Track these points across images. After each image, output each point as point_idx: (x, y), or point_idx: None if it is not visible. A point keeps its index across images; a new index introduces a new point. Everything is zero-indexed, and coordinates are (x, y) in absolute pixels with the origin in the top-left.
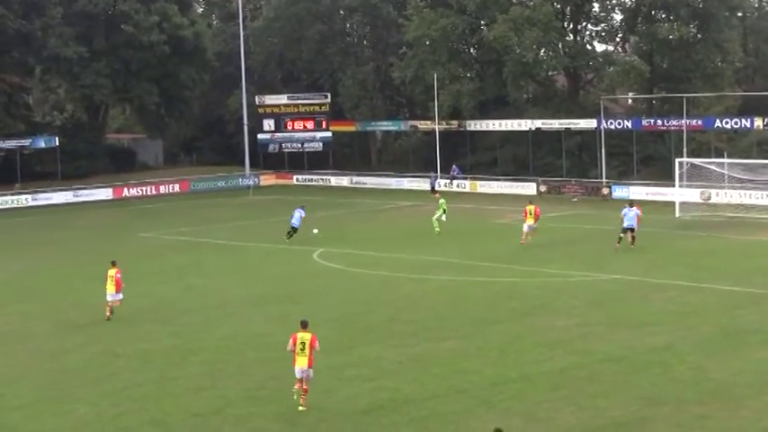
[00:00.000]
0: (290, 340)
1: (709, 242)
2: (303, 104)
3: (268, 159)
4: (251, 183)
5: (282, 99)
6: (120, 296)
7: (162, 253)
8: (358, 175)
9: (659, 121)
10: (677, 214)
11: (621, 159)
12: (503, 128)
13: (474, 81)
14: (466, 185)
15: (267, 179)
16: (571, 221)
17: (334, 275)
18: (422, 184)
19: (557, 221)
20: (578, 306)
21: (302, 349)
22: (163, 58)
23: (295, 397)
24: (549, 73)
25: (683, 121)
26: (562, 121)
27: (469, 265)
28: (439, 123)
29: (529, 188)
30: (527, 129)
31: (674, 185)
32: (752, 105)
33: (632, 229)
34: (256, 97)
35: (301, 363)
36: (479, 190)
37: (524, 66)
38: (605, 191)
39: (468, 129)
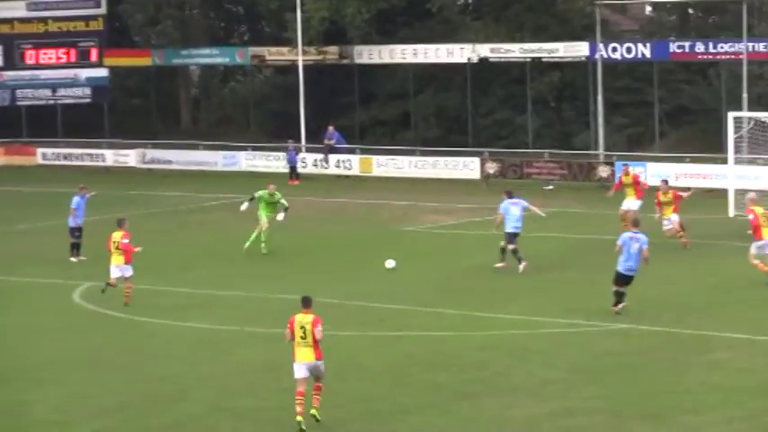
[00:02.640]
0: (288, 326)
1: None
2: (55, 19)
3: None
4: None
5: (18, 9)
6: (131, 272)
7: None
8: (156, 148)
9: (699, 46)
10: (731, 212)
11: (634, 115)
12: (420, 59)
13: None
14: (352, 164)
15: None
16: (544, 227)
17: (111, 331)
18: (274, 162)
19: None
20: (557, 379)
21: (303, 336)
22: None
23: (298, 409)
24: None
25: (742, 45)
26: (527, 45)
27: (355, 307)
28: (305, 53)
29: (467, 167)
30: (464, 60)
31: (725, 161)
32: None
33: None
34: None
35: (305, 356)
36: (376, 171)
37: None
38: (604, 172)
39: (356, 62)
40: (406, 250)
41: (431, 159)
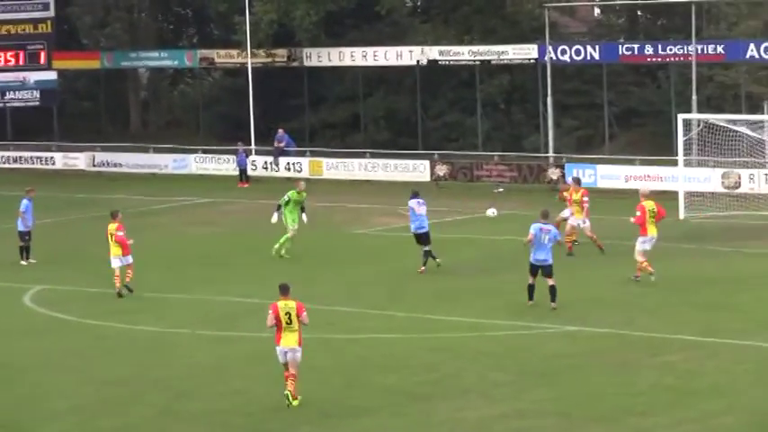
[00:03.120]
0: (270, 313)
1: (738, 263)
2: (4, 22)
3: None
4: None
5: None
6: (131, 259)
7: None
8: (105, 150)
9: (648, 49)
10: (681, 214)
11: (583, 117)
12: (369, 61)
13: None
14: (302, 166)
15: None
16: (494, 230)
17: (61, 334)
18: (224, 165)
19: (468, 229)
20: (507, 381)
21: (289, 322)
22: None
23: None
24: None
25: (691, 47)
26: (476, 48)
27: (309, 310)
28: (254, 55)
29: (417, 170)
30: (413, 63)
31: (675, 163)
32: None
33: None
34: None
35: (289, 341)
36: (326, 174)
37: None
38: (554, 173)
39: (305, 64)
40: (356, 253)
41: (381, 162)
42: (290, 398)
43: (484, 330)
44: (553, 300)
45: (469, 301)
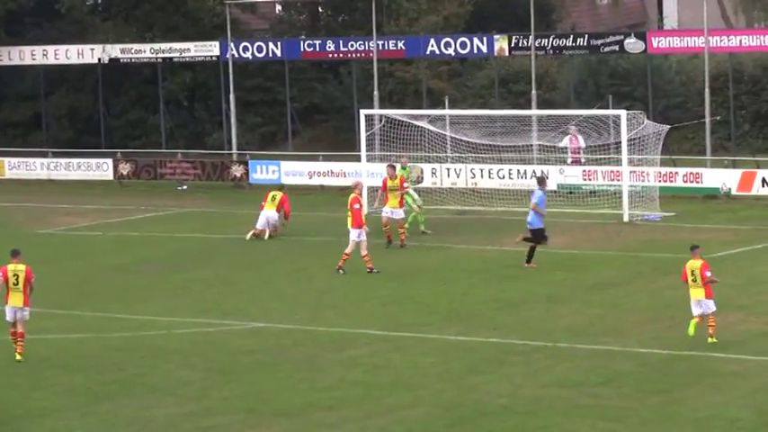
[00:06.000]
0: (1, 275)
1: (419, 257)
2: None
3: None
4: None
5: None
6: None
7: None
8: None
9: (330, 45)
10: (365, 210)
11: (267, 114)
12: (50, 60)
13: None
14: None
15: None
16: (179, 227)
17: None
18: None
19: (152, 228)
20: (195, 379)
21: (16, 283)
22: None
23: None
24: None
25: (373, 44)
26: (158, 45)
27: None
28: None
29: (101, 168)
30: (95, 61)
31: (358, 159)
32: (488, 14)
33: None
34: None
35: (15, 300)
36: (8, 174)
37: None
38: (238, 170)
39: None
40: (41, 253)
41: (63, 161)
42: (18, 354)
43: (171, 328)
44: None
45: (155, 300)
